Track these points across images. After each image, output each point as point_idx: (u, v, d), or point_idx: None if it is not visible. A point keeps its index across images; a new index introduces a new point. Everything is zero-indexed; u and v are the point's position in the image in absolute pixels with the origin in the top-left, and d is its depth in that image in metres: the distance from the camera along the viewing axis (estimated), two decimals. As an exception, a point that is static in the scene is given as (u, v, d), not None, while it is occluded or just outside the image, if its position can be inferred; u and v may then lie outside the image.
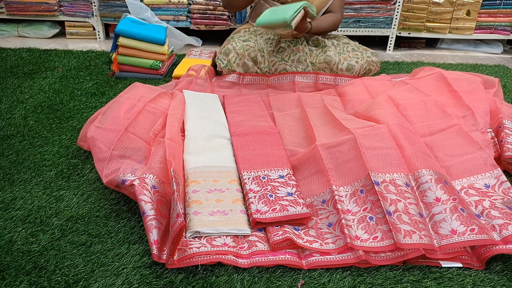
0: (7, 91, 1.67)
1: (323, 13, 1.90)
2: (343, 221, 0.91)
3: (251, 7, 1.98)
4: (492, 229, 0.91)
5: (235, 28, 2.51)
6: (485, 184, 1.05)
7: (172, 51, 2.11)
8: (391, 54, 2.61)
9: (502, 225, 0.90)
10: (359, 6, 2.52)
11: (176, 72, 1.85)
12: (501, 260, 0.88)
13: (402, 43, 2.78)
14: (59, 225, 0.92)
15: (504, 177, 1.05)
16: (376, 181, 0.96)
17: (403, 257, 0.85)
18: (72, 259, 0.83)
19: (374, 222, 0.90)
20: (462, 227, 0.87)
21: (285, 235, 0.86)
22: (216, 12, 2.50)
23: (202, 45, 2.62)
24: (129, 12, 2.11)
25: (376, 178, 0.97)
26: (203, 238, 0.88)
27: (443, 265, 0.86)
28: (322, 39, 1.85)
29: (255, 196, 0.97)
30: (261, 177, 1.03)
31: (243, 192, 1.01)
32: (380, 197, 0.92)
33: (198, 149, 1.14)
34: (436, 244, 0.87)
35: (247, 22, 2.03)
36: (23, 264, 0.81)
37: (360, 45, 1.92)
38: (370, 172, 0.97)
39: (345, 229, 0.88)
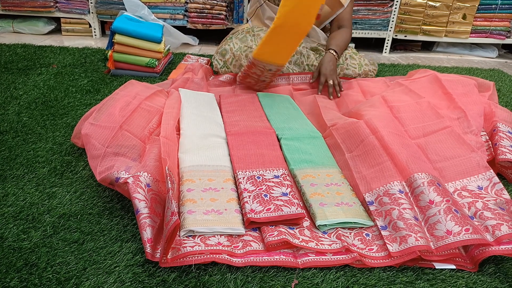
0: (1, 86, 1.66)
1: (330, 23, 1.89)
2: (340, 231, 0.92)
3: (250, 6, 1.97)
4: (485, 230, 0.91)
5: (232, 28, 2.50)
6: (478, 186, 1.05)
7: (169, 49, 2.10)
8: (387, 56, 2.62)
9: (495, 226, 0.91)
10: (356, 8, 2.53)
11: (172, 76, 1.85)
12: (494, 262, 0.88)
13: (398, 45, 2.79)
14: (51, 222, 0.92)
15: (496, 179, 1.05)
16: (371, 201, 0.99)
17: (400, 260, 0.85)
18: (64, 257, 0.82)
19: (370, 238, 0.93)
20: (457, 227, 0.88)
21: (281, 237, 0.86)
22: (213, 11, 2.49)
23: (198, 44, 2.62)
24: (125, 10, 2.10)
25: (369, 197, 0.99)
26: (197, 237, 0.87)
27: (436, 267, 0.86)
28: (320, 48, 1.83)
29: (249, 196, 0.97)
30: (256, 177, 1.03)
31: (237, 192, 1.01)
32: (374, 217, 0.95)
33: (193, 147, 1.14)
34: (432, 246, 0.87)
35: (247, 22, 2.02)
36: (14, 261, 0.80)
37: (357, 51, 1.91)
38: (364, 194, 1.00)
39: (342, 237, 0.90)
